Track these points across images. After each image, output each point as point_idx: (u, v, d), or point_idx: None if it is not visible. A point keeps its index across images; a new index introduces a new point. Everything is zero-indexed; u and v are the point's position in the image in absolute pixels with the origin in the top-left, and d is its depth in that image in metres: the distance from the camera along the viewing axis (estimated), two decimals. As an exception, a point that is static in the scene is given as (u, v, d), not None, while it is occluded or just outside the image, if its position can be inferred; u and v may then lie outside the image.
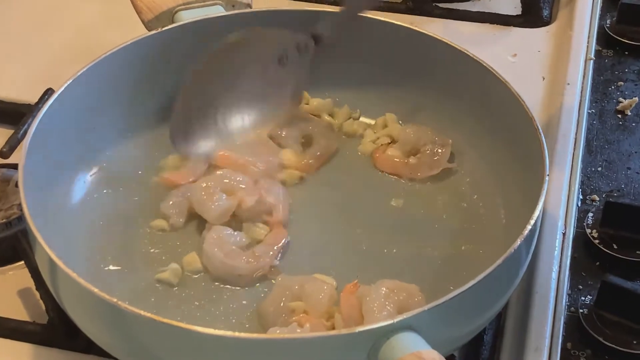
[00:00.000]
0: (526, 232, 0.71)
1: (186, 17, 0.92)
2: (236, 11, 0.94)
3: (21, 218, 0.86)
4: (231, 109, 0.86)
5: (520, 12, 1.16)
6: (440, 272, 0.81)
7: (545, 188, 0.75)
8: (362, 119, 0.96)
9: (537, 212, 0.73)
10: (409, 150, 0.91)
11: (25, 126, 0.93)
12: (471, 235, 0.84)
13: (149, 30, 0.92)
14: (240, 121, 0.86)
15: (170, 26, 0.91)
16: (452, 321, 0.68)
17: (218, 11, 0.93)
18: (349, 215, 0.87)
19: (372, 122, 0.96)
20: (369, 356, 0.65)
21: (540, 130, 0.80)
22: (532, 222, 0.72)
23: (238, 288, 0.79)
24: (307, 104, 0.96)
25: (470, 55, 0.88)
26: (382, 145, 0.92)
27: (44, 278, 0.75)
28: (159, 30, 0.91)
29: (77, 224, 0.84)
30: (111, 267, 0.81)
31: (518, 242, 0.71)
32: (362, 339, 0.65)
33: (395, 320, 0.64)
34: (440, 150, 0.90)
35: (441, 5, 1.16)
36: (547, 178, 0.76)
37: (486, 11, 1.16)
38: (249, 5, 0.96)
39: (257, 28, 0.87)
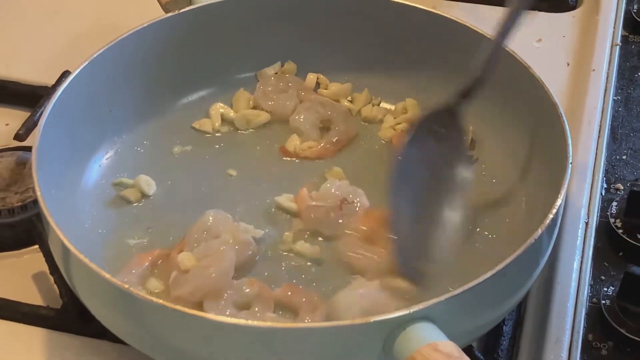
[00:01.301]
0: (548, 221, 0.70)
1: None
2: None
3: (37, 201, 0.86)
4: (428, 211, 0.79)
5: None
6: (458, 260, 0.79)
7: (568, 176, 0.73)
8: (382, 103, 0.95)
9: (559, 201, 0.71)
10: None
11: (42, 108, 0.93)
12: (491, 224, 0.83)
13: (166, 13, 0.91)
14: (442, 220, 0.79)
15: (187, 8, 0.90)
16: (470, 312, 0.67)
17: None
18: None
19: (392, 107, 0.94)
20: (385, 346, 0.64)
21: (564, 116, 0.78)
22: (554, 210, 0.71)
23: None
24: (326, 88, 0.95)
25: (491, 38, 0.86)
26: (402, 131, 0.91)
27: (56, 262, 0.75)
28: (177, 12, 0.90)
29: (91, 208, 0.83)
30: (126, 249, 0.80)
31: (539, 231, 0.69)
32: (378, 329, 0.64)
33: (412, 310, 0.63)
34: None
35: (464, -12, 1.15)
36: (570, 166, 0.74)
37: (510, -5, 1.14)
38: None
39: (412, 124, 0.79)
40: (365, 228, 0.80)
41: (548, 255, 0.74)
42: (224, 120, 0.93)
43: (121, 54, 0.87)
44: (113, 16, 1.10)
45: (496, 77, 0.86)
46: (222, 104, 0.94)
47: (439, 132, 0.80)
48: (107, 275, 0.66)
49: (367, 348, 0.65)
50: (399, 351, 0.63)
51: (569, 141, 0.76)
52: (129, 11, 1.07)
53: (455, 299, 0.64)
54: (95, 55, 0.85)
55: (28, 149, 0.91)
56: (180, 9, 0.90)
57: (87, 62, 0.84)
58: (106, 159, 0.88)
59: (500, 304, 0.71)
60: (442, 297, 0.64)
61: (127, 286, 0.65)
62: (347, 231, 0.80)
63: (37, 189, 0.73)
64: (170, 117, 0.92)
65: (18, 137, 0.91)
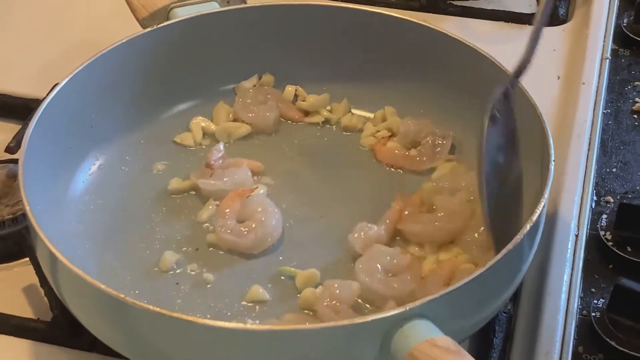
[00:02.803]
0: (534, 216, 0.71)
1: (181, 14, 0.92)
2: (231, 7, 0.93)
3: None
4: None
5: (535, 10, 1.15)
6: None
7: (550, 176, 0.74)
8: (361, 112, 0.95)
9: (542, 203, 0.72)
10: (409, 142, 0.91)
11: (33, 121, 0.93)
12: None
13: (144, 28, 0.91)
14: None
15: (165, 23, 0.91)
16: (462, 309, 0.68)
17: (213, 7, 0.93)
18: (350, 208, 0.86)
19: (371, 115, 0.95)
20: (382, 344, 0.64)
21: (543, 116, 0.79)
22: (538, 212, 0.71)
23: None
24: (304, 100, 0.96)
25: (466, 42, 0.88)
26: (383, 138, 0.92)
27: (45, 273, 0.75)
28: (154, 27, 0.90)
29: (78, 219, 0.84)
30: (113, 262, 0.81)
31: (528, 226, 0.70)
32: (374, 328, 0.64)
33: (408, 308, 0.64)
34: (440, 142, 0.89)
35: (455, 2, 1.16)
36: (552, 165, 0.75)
37: (500, 9, 1.15)
38: (244, 1, 0.96)
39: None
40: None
41: (534, 251, 0.75)
42: (205, 133, 0.93)
43: (103, 68, 0.87)
44: (106, 30, 1.10)
45: (473, 82, 0.88)
46: (202, 117, 0.94)
47: (495, 116, 0.78)
48: (100, 284, 0.66)
49: (365, 347, 0.65)
50: (397, 349, 0.63)
51: (551, 142, 0.76)
52: (122, 25, 1.07)
53: (448, 296, 0.65)
54: (77, 70, 0.85)
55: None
56: (157, 25, 0.90)
57: (70, 77, 0.85)
58: (91, 172, 0.88)
59: (488, 302, 0.72)
60: (437, 295, 0.65)
61: (118, 293, 0.65)
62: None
63: (24, 200, 0.73)
64: (153, 131, 0.92)
65: (9, 149, 0.91)
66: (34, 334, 0.79)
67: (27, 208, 0.72)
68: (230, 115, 0.94)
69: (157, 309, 0.64)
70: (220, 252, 0.82)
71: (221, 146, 0.89)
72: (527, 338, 0.78)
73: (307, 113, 0.95)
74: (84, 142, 0.88)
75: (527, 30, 1.10)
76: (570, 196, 0.89)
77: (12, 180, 0.89)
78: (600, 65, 1.05)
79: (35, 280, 0.80)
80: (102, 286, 0.66)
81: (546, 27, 1.10)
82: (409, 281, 0.78)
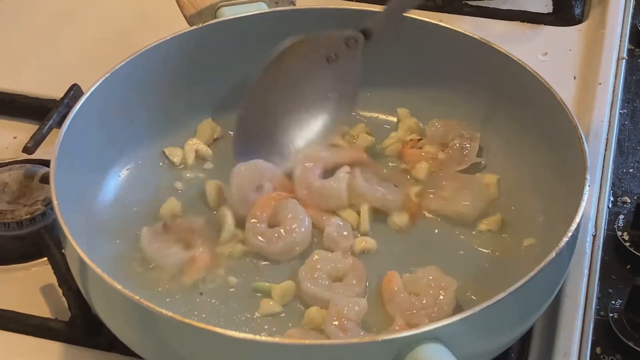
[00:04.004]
0: (561, 244, 0.69)
1: (228, 13, 0.91)
2: (279, 8, 0.92)
3: (45, 214, 0.86)
4: (290, 119, 0.87)
5: (551, 10, 1.15)
6: (472, 278, 0.80)
7: (584, 200, 0.73)
8: (385, 116, 0.95)
9: (573, 226, 0.71)
10: (437, 145, 0.90)
11: (50, 122, 0.93)
12: (508, 242, 0.83)
13: (190, 25, 0.91)
14: (301, 131, 0.88)
15: (211, 21, 0.90)
16: (482, 334, 0.66)
17: (261, 8, 0.92)
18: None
19: (394, 119, 0.94)
20: None
21: (584, 138, 0.78)
22: (572, 229, 0.71)
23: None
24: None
25: (501, 49, 0.87)
26: (411, 140, 0.91)
27: (73, 275, 0.75)
28: (200, 25, 0.89)
29: (107, 218, 0.83)
30: (139, 261, 0.80)
31: (551, 255, 0.69)
32: (386, 348, 0.63)
33: (421, 330, 0.63)
34: (468, 145, 0.89)
35: (471, 2, 1.15)
36: (587, 190, 0.74)
37: (516, 9, 1.15)
38: (292, 3, 0.95)
39: (305, 34, 0.85)
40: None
41: (564, 278, 0.74)
42: None
43: (142, 66, 0.87)
44: (120, 30, 1.11)
45: (505, 88, 0.88)
46: None
47: (331, 57, 0.87)
48: (126, 291, 0.66)
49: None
50: None
51: (588, 164, 0.76)
52: (137, 25, 1.08)
53: (466, 320, 0.63)
54: (115, 68, 0.85)
55: (36, 161, 0.92)
56: (204, 22, 0.90)
57: (108, 75, 0.84)
58: (124, 171, 0.87)
59: (514, 326, 0.70)
60: (453, 319, 0.63)
61: (147, 303, 0.65)
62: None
63: (55, 204, 0.72)
64: (191, 131, 0.92)
65: (26, 150, 0.91)
66: (52, 333, 0.79)
67: (58, 211, 0.72)
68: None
69: (181, 318, 0.64)
70: (248, 257, 0.82)
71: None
72: (545, 339, 0.78)
73: None
74: (119, 142, 0.87)
75: (542, 30, 1.11)
76: (587, 196, 0.88)
77: (30, 180, 0.89)
78: (617, 65, 1.05)
79: (53, 279, 0.80)
80: (129, 293, 0.66)
81: (562, 26, 1.12)
82: (354, 285, 0.77)
